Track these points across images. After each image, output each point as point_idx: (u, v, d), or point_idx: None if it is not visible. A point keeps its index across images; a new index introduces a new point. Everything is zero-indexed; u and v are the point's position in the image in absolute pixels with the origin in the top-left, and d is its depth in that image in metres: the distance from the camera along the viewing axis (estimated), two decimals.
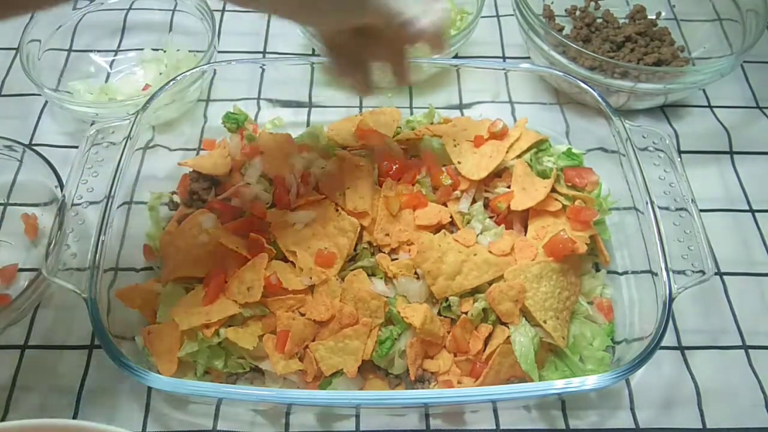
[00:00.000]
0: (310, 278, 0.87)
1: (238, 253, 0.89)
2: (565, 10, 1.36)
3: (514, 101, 1.18)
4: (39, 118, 1.18)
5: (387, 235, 0.92)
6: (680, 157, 0.96)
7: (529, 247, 0.91)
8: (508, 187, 0.98)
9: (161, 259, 0.96)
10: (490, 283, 0.89)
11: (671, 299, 0.81)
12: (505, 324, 0.88)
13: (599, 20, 1.33)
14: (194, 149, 1.12)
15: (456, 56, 1.25)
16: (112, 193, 0.89)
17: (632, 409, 0.90)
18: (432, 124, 1.10)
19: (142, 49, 1.27)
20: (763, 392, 0.92)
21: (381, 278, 0.90)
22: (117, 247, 0.94)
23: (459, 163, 0.99)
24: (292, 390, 0.85)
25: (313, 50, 1.28)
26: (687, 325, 0.97)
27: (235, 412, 0.88)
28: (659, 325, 0.79)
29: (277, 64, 1.20)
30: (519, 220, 0.96)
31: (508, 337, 0.86)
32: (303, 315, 0.86)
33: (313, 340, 0.86)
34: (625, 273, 0.97)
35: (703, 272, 0.84)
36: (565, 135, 1.11)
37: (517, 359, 0.84)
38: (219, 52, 1.27)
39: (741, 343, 0.96)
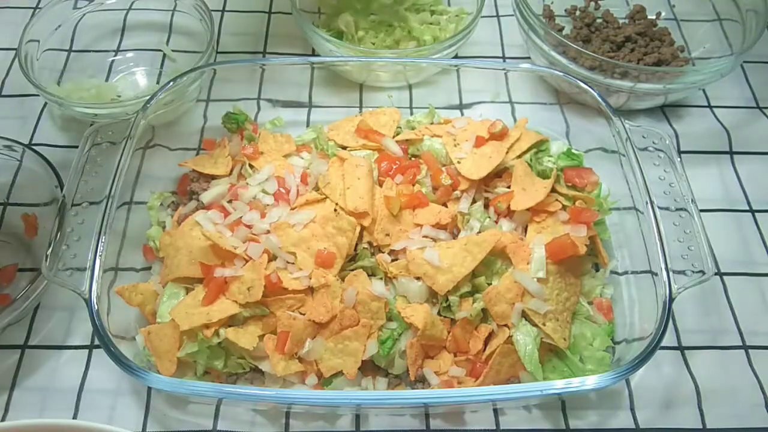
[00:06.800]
0: (309, 278, 0.87)
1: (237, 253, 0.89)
2: (565, 10, 1.36)
3: (514, 101, 1.18)
4: (39, 118, 1.18)
5: (387, 235, 0.92)
6: (680, 157, 0.96)
7: (523, 247, 0.91)
8: (508, 187, 0.98)
9: (161, 259, 0.96)
10: (489, 283, 0.90)
11: (671, 299, 0.81)
12: (505, 324, 0.88)
13: (599, 20, 1.33)
14: (194, 149, 1.12)
15: (456, 56, 1.25)
16: (112, 193, 0.89)
17: (632, 409, 0.90)
18: (432, 124, 1.10)
19: (141, 50, 1.28)
20: (763, 392, 0.92)
21: (381, 278, 0.90)
22: (117, 247, 0.94)
23: (459, 163, 0.99)
24: (292, 390, 0.85)
25: (313, 50, 1.28)
26: (687, 325, 0.97)
27: (235, 412, 0.88)
28: (659, 325, 0.80)
29: (277, 64, 1.20)
30: (519, 220, 0.96)
31: (509, 337, 0.86)
32: (303, 315, 0.86)
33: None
34: (625, 273, 0.97)
35: (703, 272, 0.84)
36: (565, 135, 1.11)
37: (521, 359, 0.84)
38: (219, 52, 1.27)
39: (741, 343, 0.96)
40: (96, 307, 0.80)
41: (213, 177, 1.03)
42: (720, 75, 1.11)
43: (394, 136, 1.06)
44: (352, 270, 0.90)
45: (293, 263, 0.89)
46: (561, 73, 1.09)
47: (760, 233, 1.08)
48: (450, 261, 0.87)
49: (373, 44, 1.26)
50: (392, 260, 0.91)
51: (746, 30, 1.18)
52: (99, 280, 0.82)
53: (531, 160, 1.03)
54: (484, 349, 0.87)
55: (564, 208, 0.97)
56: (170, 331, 0.85)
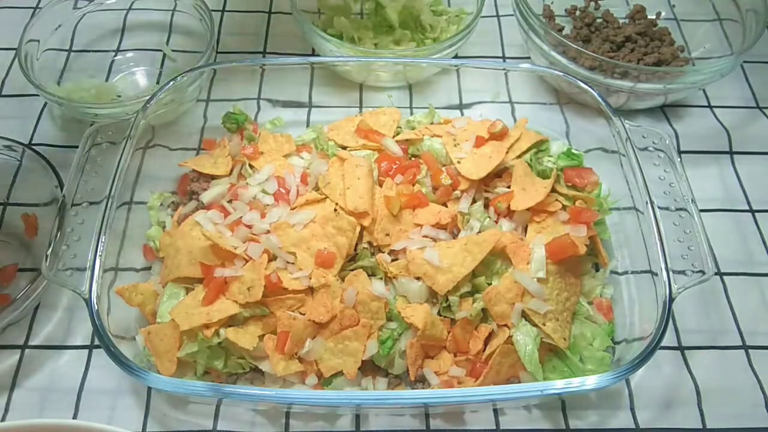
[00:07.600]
0: (309, 278, 0.87)
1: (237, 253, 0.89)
2: (565, 10, 1.36)
3: (514, 101, 1.18)
4: (39, 118, 1.18)
5: (387, 235, 0.92)
6: (680, 157, 0.96)
7: (523, 247, 0.91)
8: (508, 187, 0.98)
9: (161, 259, 0.96)
10: (489, 283, 0.90)
11: (671, 299, 0.81)
12: (505, 324, 0.88)
13: (599, 20, 1.33)
14: (194, 149, 1.12)
15: (456, 56, 1.25)
16: (112, 193, 0.89)
17: (632, 409, 0.90)
18: (432, 124, 1.10)
19: (141, 50, 1.28)
20: (763, 392, 0.92)
21: (381, 278, 0.90)
22: (117, 247, 0.94)
23: (459, 163, 0.99)
24: (292, 390, 0.85)
25: (313, 50, 1.28)
26: (687, 325, 0.97)
27: (235, 412, 0.88)
28: (659, 325, 0.80)
29: (277, 64, 1.20)
30: (519, 220, 0.96)
31: (509, 337, 0.86)
32: (303, 315, 0.86)
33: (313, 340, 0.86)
34: (625, 273, 0.97)
35: (703, 272, 0.84)
36: (565, 135, 1.11)
37: (521, 359, 0.84)
38: (219, 52, 1.27)
39: (741, 343, 0.96)
40: (96, 307, 0.80)
41: (213, 177, 1.03)
42: (720, 75, 1.11)
43: (394, 136, 1.06)
44: (352, 270, 0.90)
45: (293, 263, 0.89)
46: (561, 73, 1.09)
47: (760, 233, 1.08)
48: (450, 261, 0.87)
49: (374, 45, 1.26)
50: (392, 260, 0.91)
51: (746, 30, 1.18)
52: (99, 280, 0.82)
53: (531, 160, 1.03)
54: (484, 349, 0.87)
55: (564, 208, 0.97)
56: (170, 331, 0.85)
